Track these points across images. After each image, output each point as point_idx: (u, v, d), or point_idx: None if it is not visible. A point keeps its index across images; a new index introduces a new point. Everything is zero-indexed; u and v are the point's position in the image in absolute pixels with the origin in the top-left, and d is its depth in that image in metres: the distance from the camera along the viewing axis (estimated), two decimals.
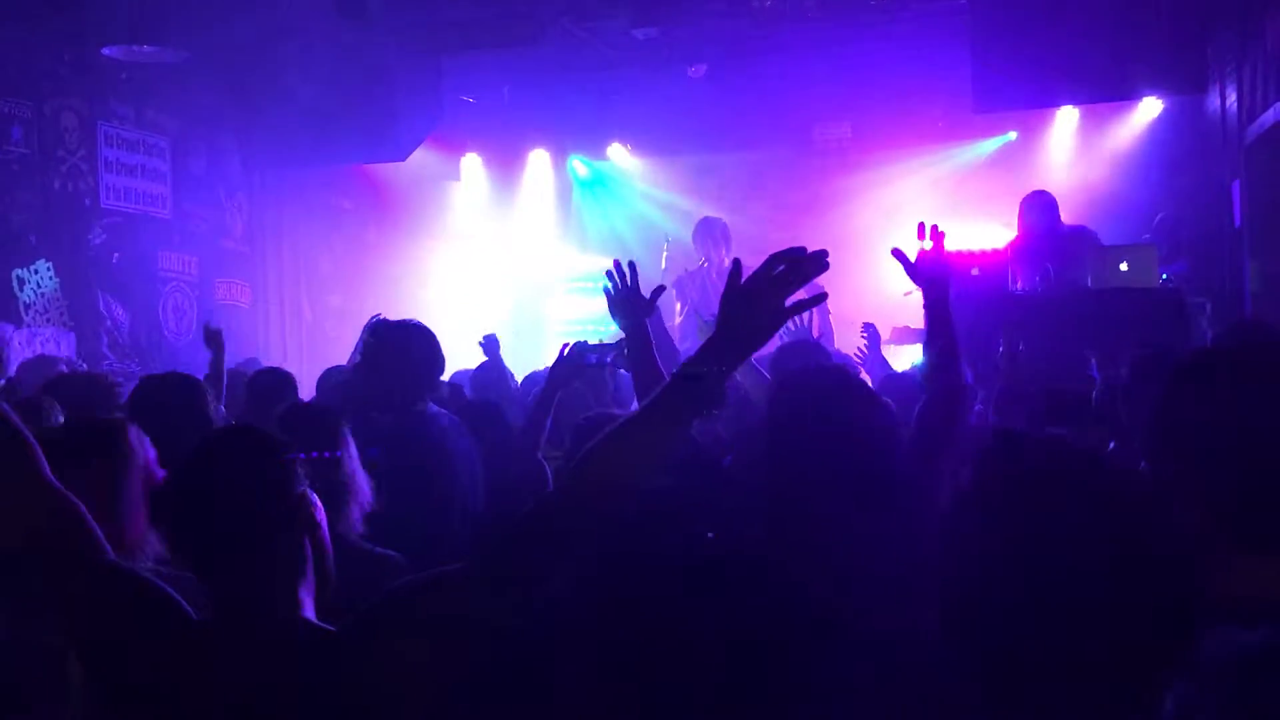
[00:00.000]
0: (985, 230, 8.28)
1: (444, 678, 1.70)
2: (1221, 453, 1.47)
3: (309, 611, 1.79)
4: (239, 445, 1.86)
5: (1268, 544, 1.44)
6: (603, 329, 5.53)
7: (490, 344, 5.79)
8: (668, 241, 8.78)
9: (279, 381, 4.74)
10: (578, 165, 10.64)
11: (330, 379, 5.56)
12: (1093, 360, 4.68)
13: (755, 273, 1.74)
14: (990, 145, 9.63)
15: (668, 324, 8.22)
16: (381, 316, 4.00)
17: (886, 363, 5.58)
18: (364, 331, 3.87)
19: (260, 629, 1.74)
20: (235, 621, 1.75)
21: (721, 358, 1.71)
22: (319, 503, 1.85)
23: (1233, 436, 1.47)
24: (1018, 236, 6.73)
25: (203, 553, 1.78)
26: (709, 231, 8.13)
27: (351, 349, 7.15)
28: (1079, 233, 6.68)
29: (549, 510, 1.74)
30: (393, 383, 3.50)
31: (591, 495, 1.70)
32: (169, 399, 3.37)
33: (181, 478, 1.82)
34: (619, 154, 10.41)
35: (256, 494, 1.78)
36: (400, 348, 3.54)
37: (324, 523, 1.85)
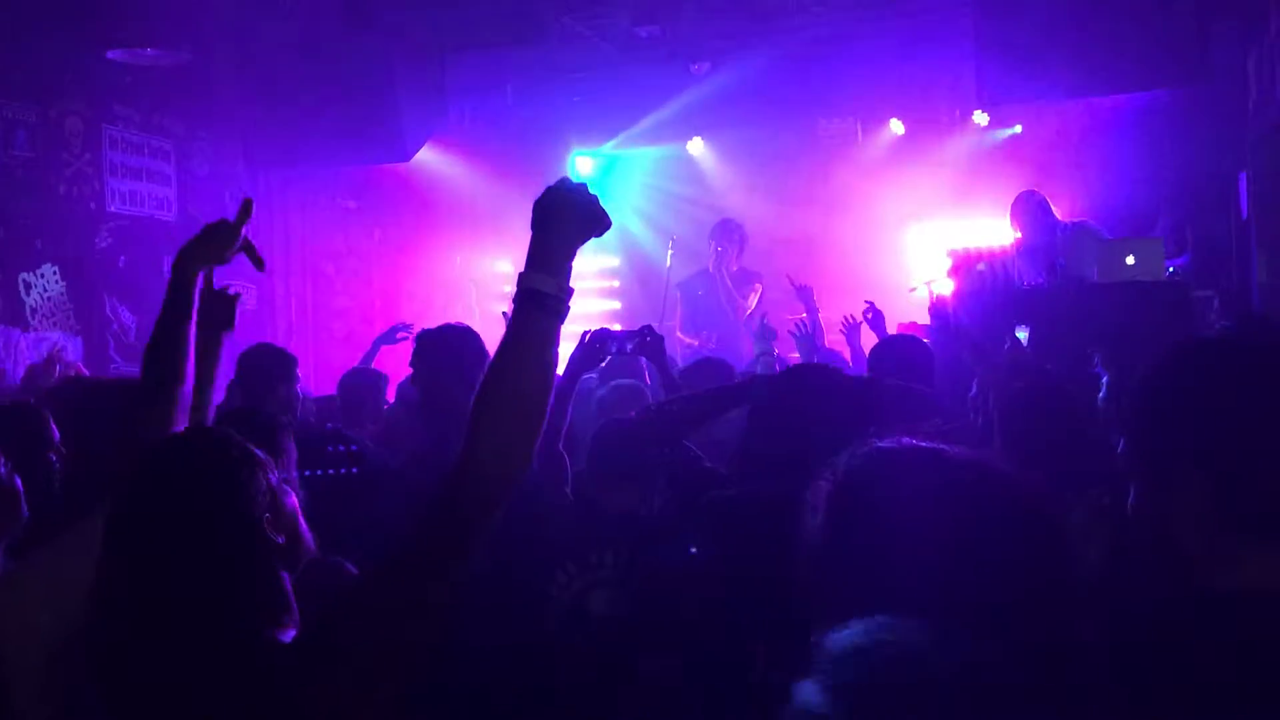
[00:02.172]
0: (991, 224, 8.27)
1: (402, 672, 1.65)
2: (1221, 435, 1.46)
3: (282, 628, 1.71)
4: (203, 453, 1.76)
5: (1266, 530, 1.42)
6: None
7: None
8: (673, 241, 8.77)
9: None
10: (583, 162, 10.62)
11: (349, 382, 5.56)
12: (1096, 357, 4.65)
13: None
14: (996, 138, 9.60)
15: (669, 323, 8.28)
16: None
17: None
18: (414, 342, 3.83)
19: (228, 646, 1.67)
20: (203, 640, 1.68)
21: (551, 261, 1.75)
22: (293, 505, 1.78)
23: (1234, 419, 1.45)
24: (1020, 235, 6.72)
25: (153, 576, 1.69)
26: (727, 233, 8.12)
27: (357, 350, 7.17)
28: (1081, 227, 6.67)
29: (454, 485, 1.67)
30: (449, 386, 3.46)
31: (488, 455, 1.65)
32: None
33: (127, 499, 1.73)
34: (623, 151, 10.40)
35: (220, 506, 1.69)
36: (449, 351, 3.53)
37: (302, 530, 1.78)
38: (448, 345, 3.54)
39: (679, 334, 8.07)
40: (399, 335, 6.55)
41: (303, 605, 1.76)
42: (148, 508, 1.71)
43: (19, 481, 2.49)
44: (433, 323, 3.83)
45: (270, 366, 4.31)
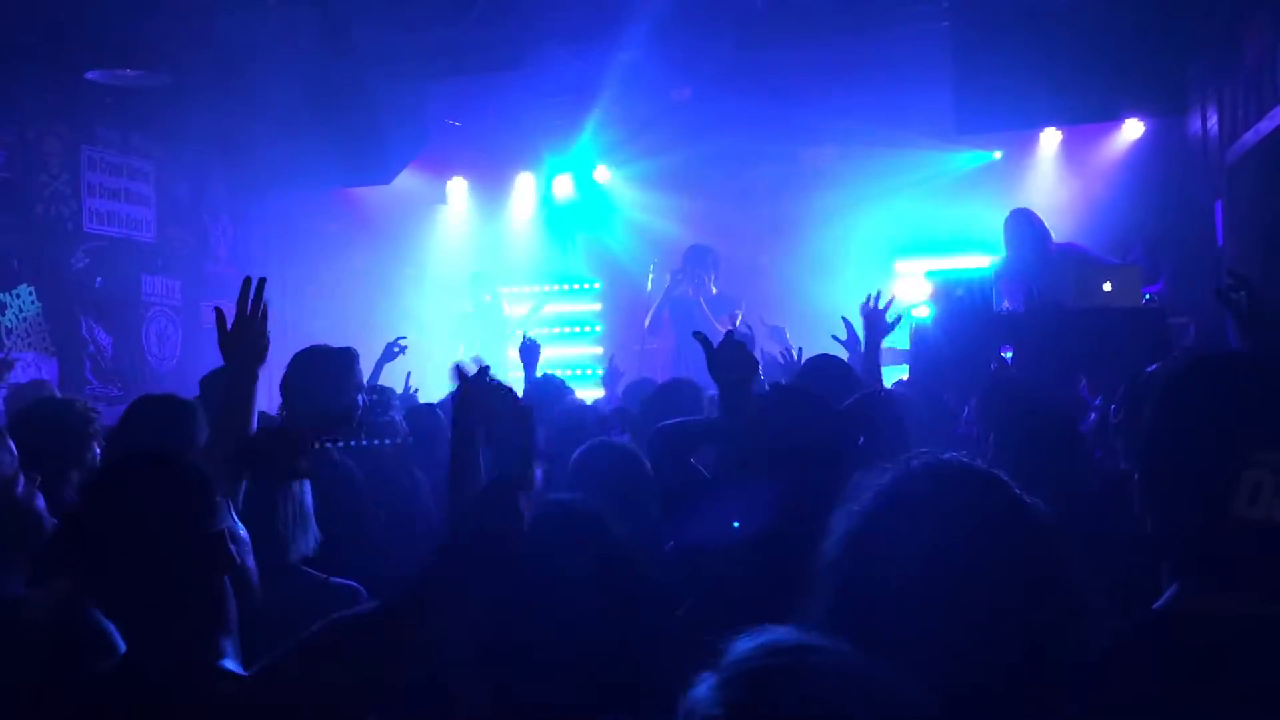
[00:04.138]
0: (970, 250, 8.32)
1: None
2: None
3: (229, 657, 1.70)
4: (152, 476, 1.75)
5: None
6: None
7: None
8: (654, 265, 8.79)
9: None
10: (564, 186, 10.63)
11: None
12: (1082, 381, 4.68)
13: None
14: (975, 165, 9.68)
15: (650, 346, 8.30)
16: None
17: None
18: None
19: (168, 676, 1.65)
20: (147, 665, 1.66)
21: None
22: (245, 536, 1.77)
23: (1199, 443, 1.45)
24: (1008, 256, 6.74)
25: (108, 591, 1.69)
26: (699, 259, 8.16)
27: None
28: (1067, 250, 6.69)
29: (449, 559, 1.84)
30: (318, 403, 3.64)
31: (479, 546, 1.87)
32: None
33: (89, 508, 1.73)
34: (605, 176, 10.43)
35: (169, 530, 1.68)
36: (293, 383, 3.70)
37: (248, 560, 1.76)
38: (291, 374, 3.70)
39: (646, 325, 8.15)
40: (395, 350, 6.53)
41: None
42: (104, 533, 1.69)
43: (41, 501, 2.45)
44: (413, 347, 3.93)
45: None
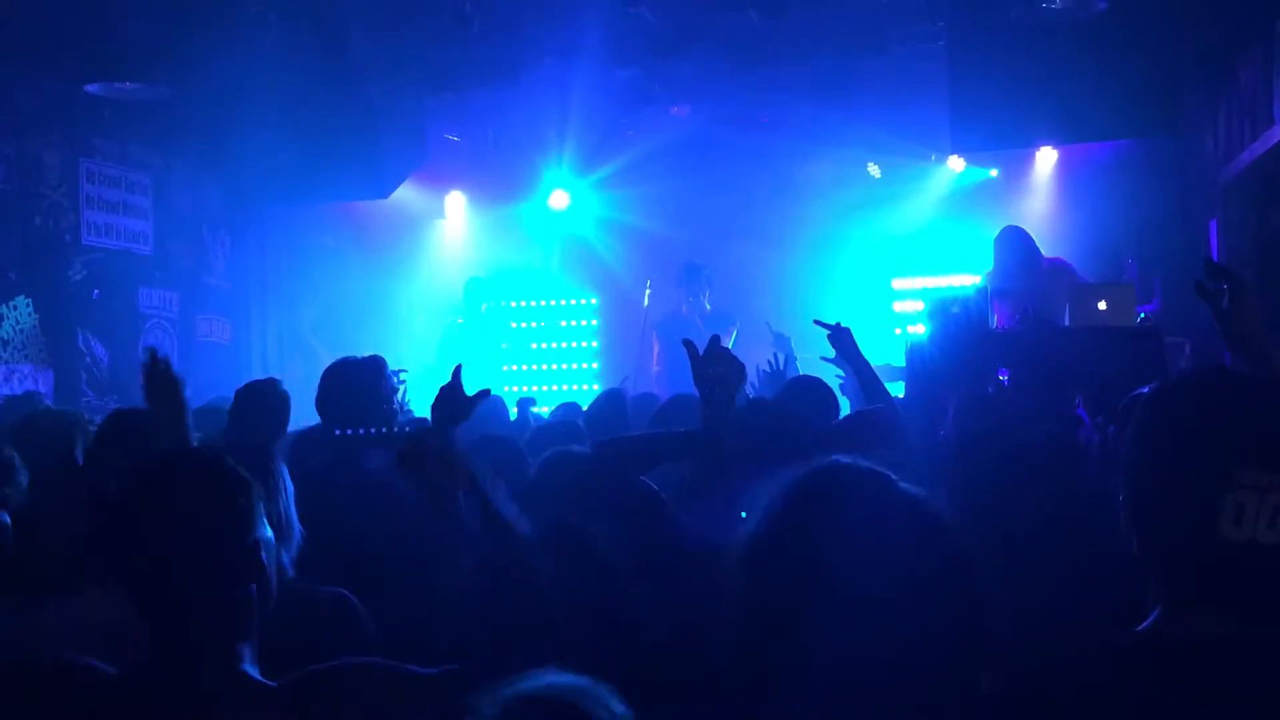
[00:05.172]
0: (965, 267, 8.33)
1: None
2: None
3: (249, 664, 1.70)
4: (198, 476, 1.74)
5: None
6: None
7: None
8: (650, 281, 8.80)
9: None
10: (560, 200, 10.63)
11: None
12: (1078, 399, 4.67)
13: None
14: (971, 183, 9.71)
15: (646, 362, 8.31)
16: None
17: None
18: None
19: (195, 680, 1.65)
20: (170, 669, 1.66)
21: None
22: (271, 540, 1.76)
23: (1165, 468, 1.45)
24: (994, 274, 6.75)
25: (144, 588, 1.68)
26: (692, 276, 8.18)
27: None
28: (1056, 266, 6.70)
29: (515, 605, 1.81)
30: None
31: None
32: None
33: (134, 501, 1.71)
34: (602, 190, 10.44)
35: (216, 532, 1.67)
36: (328, 399, 3.78)
37: (271, 570, 1.75)
38: (350, 379, 3.74)
39: (655, 366, 8.11)
40: (396, 382, 6.51)
41: (312, 638, 1.75)
42: (147, 528, 1.68)
43: (7, 518, 2.43)
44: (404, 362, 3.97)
45: (275, 405, 4.35)
